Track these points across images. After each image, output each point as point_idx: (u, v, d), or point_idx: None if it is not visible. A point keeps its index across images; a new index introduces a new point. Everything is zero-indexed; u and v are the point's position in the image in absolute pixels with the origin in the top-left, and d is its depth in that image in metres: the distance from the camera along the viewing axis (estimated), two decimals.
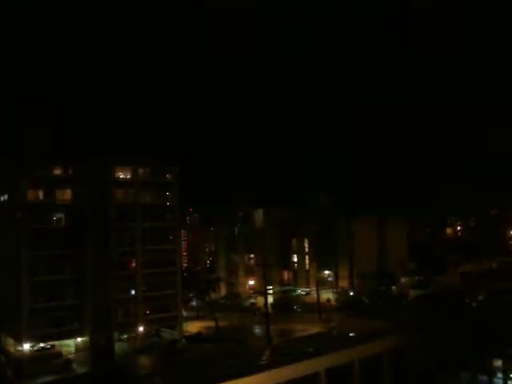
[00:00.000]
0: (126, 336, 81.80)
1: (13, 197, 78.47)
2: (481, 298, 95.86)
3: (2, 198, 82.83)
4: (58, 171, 78.84)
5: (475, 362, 68.10)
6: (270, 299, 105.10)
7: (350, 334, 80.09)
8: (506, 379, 69.25)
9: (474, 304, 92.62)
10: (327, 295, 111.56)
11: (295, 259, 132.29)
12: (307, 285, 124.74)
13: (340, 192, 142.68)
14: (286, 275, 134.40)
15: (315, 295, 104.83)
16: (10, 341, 78.23)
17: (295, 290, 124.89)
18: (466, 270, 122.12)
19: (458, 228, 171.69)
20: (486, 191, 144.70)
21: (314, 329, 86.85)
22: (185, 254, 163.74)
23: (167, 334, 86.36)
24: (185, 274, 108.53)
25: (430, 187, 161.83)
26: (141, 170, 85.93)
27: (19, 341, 72.88)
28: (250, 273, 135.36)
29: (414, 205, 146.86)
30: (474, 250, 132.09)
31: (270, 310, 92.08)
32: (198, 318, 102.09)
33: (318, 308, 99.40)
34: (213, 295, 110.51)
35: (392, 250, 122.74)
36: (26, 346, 71.72)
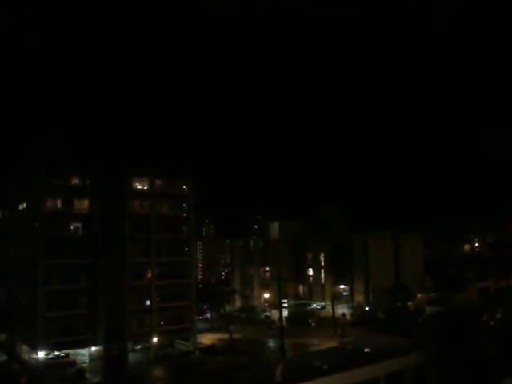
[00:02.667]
0: (139, 346, 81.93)
1: (31, 205, 79.23)
2: (499, 315, 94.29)
3: (21, 207, 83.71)
4: (76, 181, 79.64)
5: (495, 381, 66.65)
6: (285, 313, 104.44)
7: (366, 350, 79.02)
8: None
9: (491, 322, 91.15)
10: (342, 310, 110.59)
11: (310, 273, 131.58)
12: (322, 299, 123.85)
13: (356, 206, 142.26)
14: (301, 289, 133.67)
15: (330, 310, 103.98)
16: (25, 348, 78.70)
17: (310, 304, 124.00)
18: (483, 287, 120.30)
19: (476, 244, 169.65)
20: (503, 206, 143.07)
21: (328, 343, 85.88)
22: (200, 265, 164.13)
23: (181, 345, 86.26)
24: (200, 286, 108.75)
25: (447, 201, 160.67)
26: (158, 182, 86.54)
27: (34, 349, 73.27)
28: (265, 286, 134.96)
29: (432, 220, 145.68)
30: (491, 267, 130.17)
31: (284, 323, 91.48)
32: (212, 330, 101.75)
33: (333, 322, 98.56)
34: (227, 308, 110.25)
35: (408, 265, 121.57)
36: (41, 354, 72.00)
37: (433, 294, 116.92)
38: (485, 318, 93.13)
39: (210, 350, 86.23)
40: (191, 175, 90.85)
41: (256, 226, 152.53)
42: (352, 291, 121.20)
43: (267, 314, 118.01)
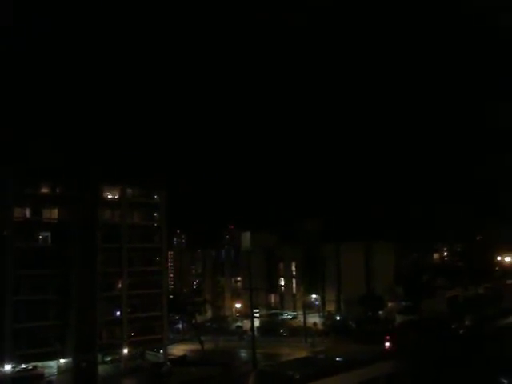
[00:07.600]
0: (109, 358, 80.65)
1: None
2: (467, 323, 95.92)
3: None
4: (45, 190, 78.38)
5: None
6: (257, 323, 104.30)
7: (337, 359, 79.43)
8: None
9: (460, 329, 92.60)
10: (314, 319, 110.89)
11: (282, 283, 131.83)
12: (294, 309, 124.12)
13: (328, 216, 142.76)
14: (272, 299, 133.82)
15: (302, 319, 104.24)
16: None
17: (282, 314, 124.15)
18: (452, 295, 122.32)
19: (445, 253, 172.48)
20: (471, 217, 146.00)
21: (300, 353, 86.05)
22: (171, 275, 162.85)
23: (152, 356, 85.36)
24: (171, 296, 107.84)
25: (417, 212, 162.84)
26: (129, 191, 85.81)
27: (0, 361, 71.42)
28: (236, 296, 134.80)
29: (402, 230, 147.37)
30: (460, 276, 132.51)
31: (256, 333, 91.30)
32: (183, 340, 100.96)
33: (305, 332, 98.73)
34: (199, 318, 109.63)
35: (379, 274, 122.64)
36: (8, 367, 70.22)
37: (403, 303, 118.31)
38: (454, 325, 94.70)
39: (181, 360, 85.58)
40: (163, 184, 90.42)
41: (227, 236, 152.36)
42: (323, 301, 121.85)
43: (239, 324, 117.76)
